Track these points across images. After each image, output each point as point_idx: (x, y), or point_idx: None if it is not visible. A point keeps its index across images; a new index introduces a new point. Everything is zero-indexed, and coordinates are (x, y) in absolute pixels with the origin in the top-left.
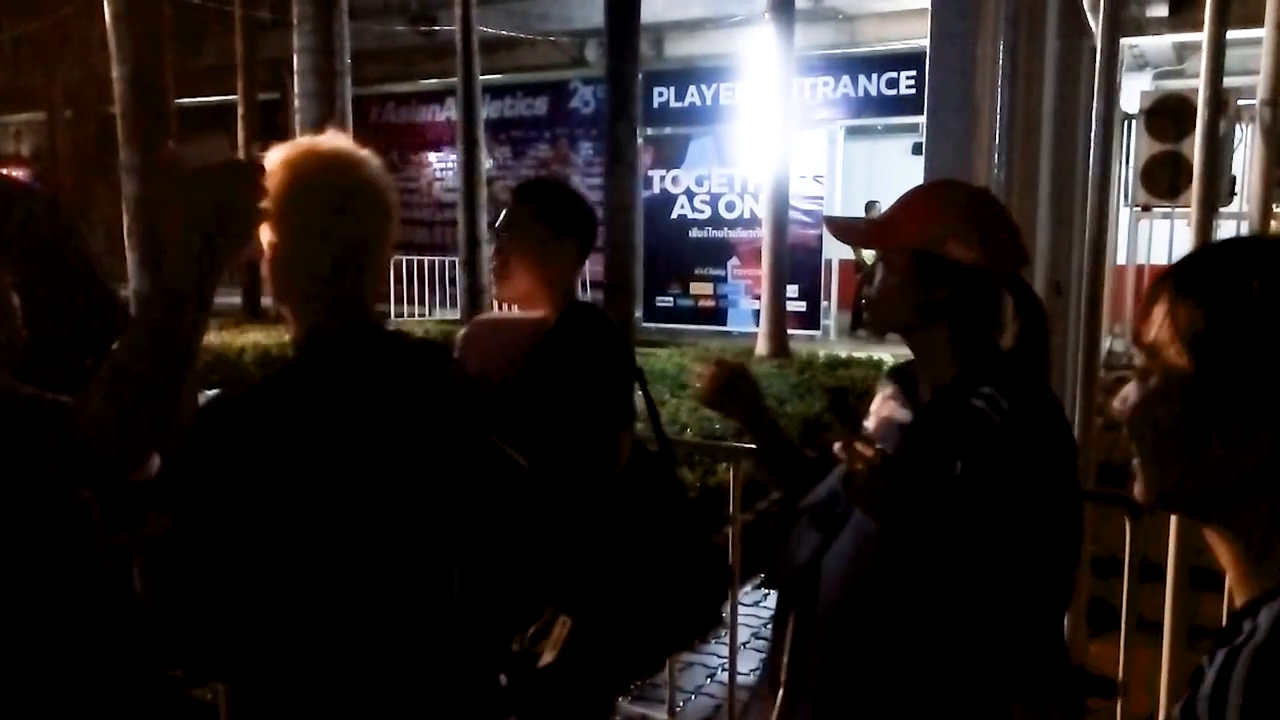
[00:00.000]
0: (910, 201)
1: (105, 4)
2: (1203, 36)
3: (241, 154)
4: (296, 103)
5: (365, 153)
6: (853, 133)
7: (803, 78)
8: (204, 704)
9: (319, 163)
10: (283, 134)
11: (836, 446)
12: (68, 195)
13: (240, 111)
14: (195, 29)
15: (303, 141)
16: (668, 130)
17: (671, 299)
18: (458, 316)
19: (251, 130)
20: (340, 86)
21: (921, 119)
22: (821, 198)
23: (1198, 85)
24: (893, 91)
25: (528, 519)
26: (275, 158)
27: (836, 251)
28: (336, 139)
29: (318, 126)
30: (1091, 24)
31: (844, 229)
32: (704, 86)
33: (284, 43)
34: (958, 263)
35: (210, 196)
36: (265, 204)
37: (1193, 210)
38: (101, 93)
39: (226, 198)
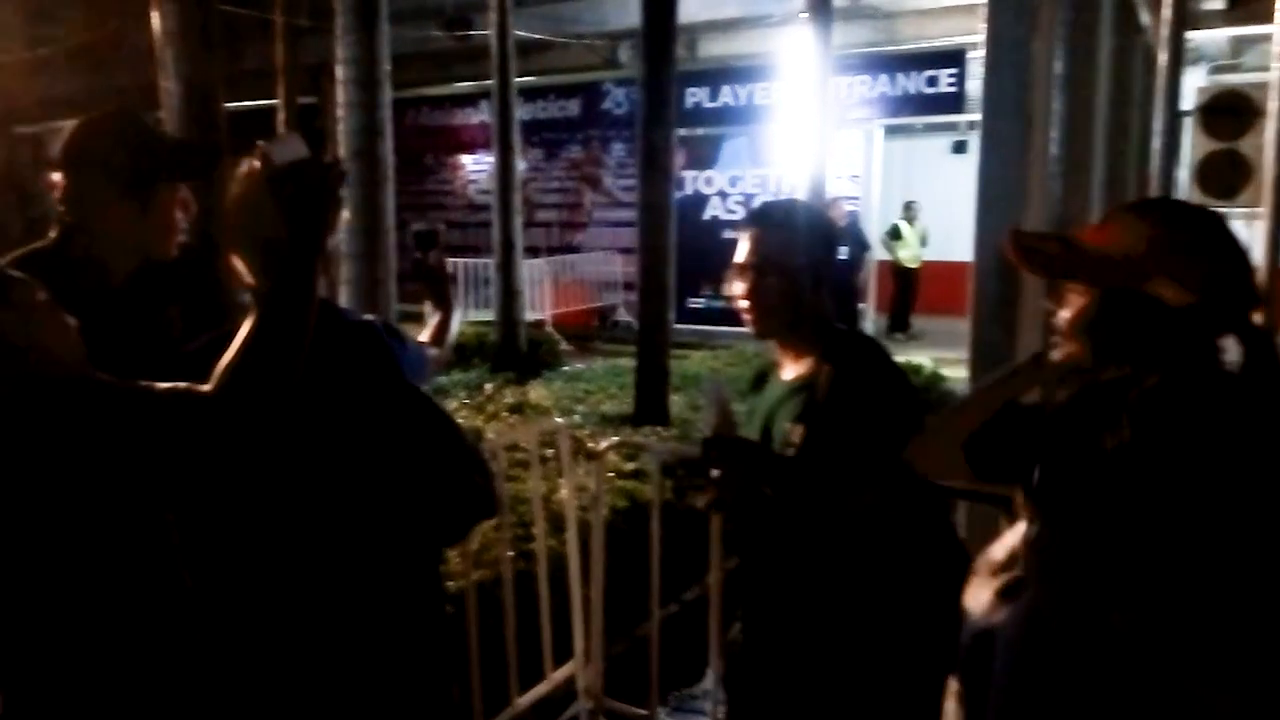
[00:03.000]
0: (1111, 225)
1: (157, 19)
2: (1273, 29)
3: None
4: (339, 111)
5: None
6: (891, 132)
7: (839, 77)
8: None
9: (254, 180)
10: (321, 137)
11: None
12: None
13: (281, 116)
14: (236, 35)
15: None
16: (701, 131)
17: (704, 301)
18: (491, 318)
19: None
20: (381, 95)
21: (961, 117)
22: (858, 198)
23: (1255, 80)
24: (932, 90)
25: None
26: (237, 172)
27: (874, 251)
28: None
29: (359, 133)
30: (1147, 20)
31: (1029, 253)
32: (738, 87)
33: (322, 48)
34: (1166, 304)
35: (303, 190)
36: (342, 193)
37: (1265, 211)
38: (149, 99)
39: (315, 189)
